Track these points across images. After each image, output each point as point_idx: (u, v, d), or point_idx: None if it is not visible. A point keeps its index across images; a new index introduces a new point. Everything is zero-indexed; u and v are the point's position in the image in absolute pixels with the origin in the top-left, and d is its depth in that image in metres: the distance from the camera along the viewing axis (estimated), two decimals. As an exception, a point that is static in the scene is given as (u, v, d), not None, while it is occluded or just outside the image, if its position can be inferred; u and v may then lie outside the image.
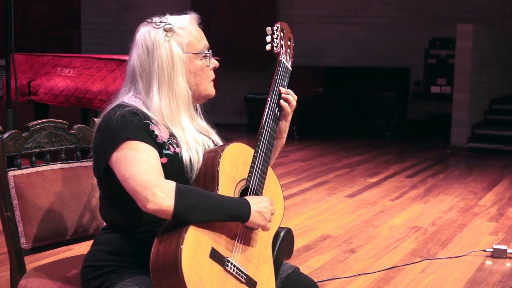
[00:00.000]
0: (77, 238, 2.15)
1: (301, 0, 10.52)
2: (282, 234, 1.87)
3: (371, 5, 10.42)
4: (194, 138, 1.81)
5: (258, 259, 1.76)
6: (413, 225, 4.60)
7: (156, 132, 1.75)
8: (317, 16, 10.50)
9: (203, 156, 1.78)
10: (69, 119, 2.29)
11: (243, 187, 1.79)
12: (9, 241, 1.99)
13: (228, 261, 1.67)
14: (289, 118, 1.97)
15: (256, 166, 1.80)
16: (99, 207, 1.88)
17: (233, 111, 10.51)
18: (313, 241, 4.13)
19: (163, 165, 1.71)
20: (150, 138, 1.72)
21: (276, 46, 1.95)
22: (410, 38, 10.28)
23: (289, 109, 1.94)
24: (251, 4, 10.24)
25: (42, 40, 9.02)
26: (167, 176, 1.67)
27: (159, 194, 1.59)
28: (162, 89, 1.78)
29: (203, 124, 1.92)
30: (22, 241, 2.01)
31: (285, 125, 1.99)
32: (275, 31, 1.95)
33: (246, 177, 1.79)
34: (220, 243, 1.67)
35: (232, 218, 1.67)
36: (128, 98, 1.80)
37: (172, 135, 1.78)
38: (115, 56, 6.06)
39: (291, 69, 1.99)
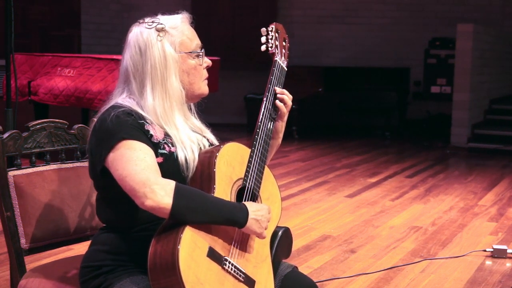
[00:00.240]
0: (77, 238, 2.15)
1: (301, 0, 10.52)
2: (280, 233, 1.88)
3: (371, 5, 10.43)
4: (189, 137, 1.81)
5: (256, 258, 1.77)
6: (413, 225, 4.60)
7: (151, 132, 1.75)
8: (317, 16, 10.50)
9: (199, 156, 1.79)
10: (69, 119, 2.29)
11: (240, 187, 1.79)
12: (9, 241, 1.99)
13: (226, 260, 1.67)
14: (285, 118, 1.98)
15: (253, 166, 1.80)
16: (96, 207, 1.88)
17: (233, 111, 10.51)
18: (313, 241, 4.13)
19: (159, 164, 1.71)
20: (145, 137, 1.73)
21: (271, 47, 1.96)
22: (410, 38, 10.28)
23: (284, 109, 1.95)
24: (251, 4, 10.24)
25: (42, 40, 9.02)
26: (164, 175, 1.67)
27: (159, 191, 1.59)
28: (156, 89, 1.79)
29: (197, 123, 1.93)
30: (22, 241, 2.01)
31: (281, 125, 1.99)
32: (270, 32, 1.97)
33: (242, 176, 1.80)
34: (218, 242, 1.67)
35: (228, 223, 1.67)
36: (122, 99, 1.81)
37: (167, 135, 1.78)
38: (115, 56, 6.06)
39: (286, 69, 2.00)
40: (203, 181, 1.74)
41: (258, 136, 1.85)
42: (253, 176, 1.80)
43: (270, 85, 1.93)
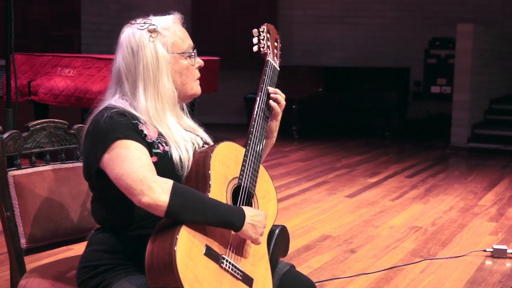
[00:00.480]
0: (77, 238, 2.16)
1: (301, 0, 10.52)
2: (277, 232, 1.89)
3: (371, 5, 10.42)
4: (182, 137, 1.82)
5: (253, 256, 1.77)
6: (413, 225, 4.60)
7: (145, 132, 1.76)
8: (317, 16, 10.50)
9: (194, 156, 1.80)
10: (69, 119, 2.29)
11: (236, 186, 1.80)
12: (9, 241, 1.99)
13: (223, 258, 1.67)
14: (279, 117, 2.00)
15: (248, 165, 1.81)
16: (91, 209, 1.88)
17: (233, 111, 10.51)
18: (313, 241, 4.13)
19: (154, 163, 1.72)
20: (139, 137, 1.74)
21: (263, 47, 1.99)
22: (410, 38, 10.27)
23: (278, 109, 1.97)
24: (251, 4, 10.24)
25: (42, 40, 9.02)
26: (158, 174, 1.68)
27: (156, 189, 1.60)
28: (148, 90, 1.80)
29: (190, 122, 1.94)
30: (22, 241, 2.01)
31: (275, 125, 2.01)
32: (261, 33, 1.99)
33: (238, 175, 1.81)
34: (214, 241, 1.68)
35: (225, 225, 1.68)
36: (114, 100, 1.81)
37: (160, 135, 1.79)
38: (114, 57, 6.05)
39: (279, 69, 2.03)
40: (198, 181, 1.75)
41: (252, 135, 1.86)
42: (248, 174, 1.81)
43: (263, 84, 1.95)
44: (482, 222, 4.74)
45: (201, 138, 1.91)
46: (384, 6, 10.39)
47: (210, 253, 1.64)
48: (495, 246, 3.93)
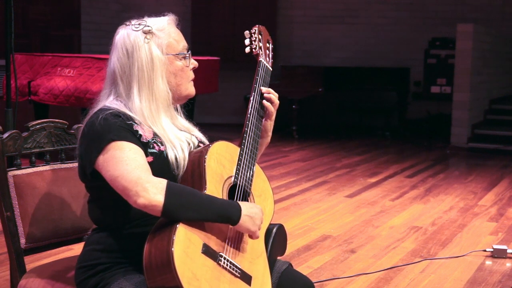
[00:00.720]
0: (77, 238, 2.16)
1: (301, 0, 10.52)
2: (274, 230, 1.89)
3: (371, 5, 10.42)
4: (177, 137, 1.84)
5: (251, 254, 1.77)
6: (413, 225, 4.60)
7: (140, 132, 1.77)
8: (317, 16, 10.50)
9: (190, 156, 1.81)
10: (69, 119, 2.29)
11: (231, 184, 1.81)
12: (9, 241, 1.99)
13: (221, 256, 1.67)
14: (273, 117, 2.01)
15: (243, 163, 1.82)
16: (88, 209, 1.89)
17: (233, 111, 10.51)
18: (313, 241, 4.13)
19: (149, 163, 1.73)
20: (134, 138, 1.74)
21: (255, 48, 2.01)
22: (410, 38, 10.27)
23: (272, 108, 1.98)
24: (251, 4, 10.24)
25: (42, 40, 9.02)
26: (154, 174, 1.69)
27: (151, 189, 1.61)
28: (142, 91, 1.81)
29: (184, 122, 1.95)
30: (22, 241, 2.01)
31: (270, 124, 2.02)
32: (253, 34, 2.02)
33: (233, 174, 1.81)
34: (212, 238, 1.68)
35: (222, 219, 1.68)
36: (109, 102, 1.82)
37: (156, 135, 1.80)
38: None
39: (271, 69, 2.06)
40: (194, 180, 1.76)
41: (246, 134, 1.87)
42: (244, 173, 1.82)
43: (256, 84, 1.97)
44: (482, 222, 4.74)
45: (196, 138, 1.93)
46: (384, 6, 10.40)
47: (207, 251, 1.65)
48: (495, 246, 3.93)
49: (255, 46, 2.01)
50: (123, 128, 1.73)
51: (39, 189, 2.05)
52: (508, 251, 3.90)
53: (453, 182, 6.22)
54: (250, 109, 1.92)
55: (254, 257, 1.78)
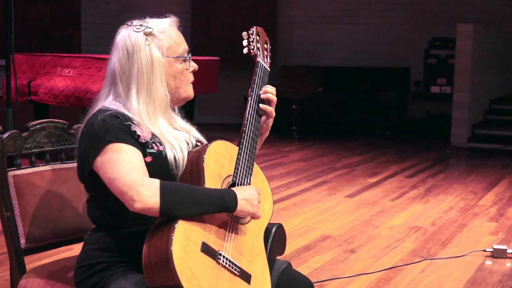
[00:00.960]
0: (77, 238, 2.16)
1: (301, 0, 10.52)
2: (273, 230, 1.90)
3: (371, 5, 10.42)
4: (175, 137, 1.84)
5: (250, 253, 1.78)
6: (413, 225, 4.60)
7: (138, 133, 1.77)
8: (317, 16, 10.50)
9: (188, 155, 1.82)
10: (69, 119, 2.29)
11: (230, 184, 1.81)
12: (9, 241, 1.99)
13: (220, 254, 1.68)
14: (273, 114, 2.01)
15: (242, 163, 1.83)
16: (87, 209, 1.89)
17: (233, 111, 10.51)
18: (313, 241, 4.13)
19: (148, 164, 1.73)
20: (132, 139, 1.75)
21: (253, 49, 2.03)
22: (410, 38, 10.27)
23: (270, 108, 1.98)
24: (251, 4, 10.24)
25: (42, 40, 9.02)
26: (153, 174, 1.69)
27: (144, 192, 1.61)
28: (141, 93, 1.81)
29: (182, 123, 1.95)
30: (22, 241, 2.01)
31: (270, 121, 2.03)
32: (251, 35, 2.04)
33: (232, 173, 1.82)
34: (211, 237, 1.69)
35: (220, 209, 1.69)
36: (108, 102, 1.83)
37: (154, 135, 1.81)
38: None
39: (269, 69, 2.07)
40: (193, 179, 1.76)
41: (245, 134, 1.88)
42: (243, 172, 1.82)
43: (254, 84, 1.98)
44: (482, 222, 4.74)
45: (194, 137, 1.93)
46: (384, 6, 10.39)
47: (206, 249, 1.65)
48: (495, 246, 3.93)
49: (252, 47, 2.02)
50: (121, 129, 1.74)
51: (39, 189, 2.05)
52: (508, 251, 3.90)
53: (453, 182, 6.22)
54: (248, 108, 1.93)
55: (253, 256, 1.78)
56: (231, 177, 1.81)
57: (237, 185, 1.80)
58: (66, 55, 6.52)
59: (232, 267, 1.69)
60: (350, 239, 4.20)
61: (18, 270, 2.00)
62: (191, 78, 1.92)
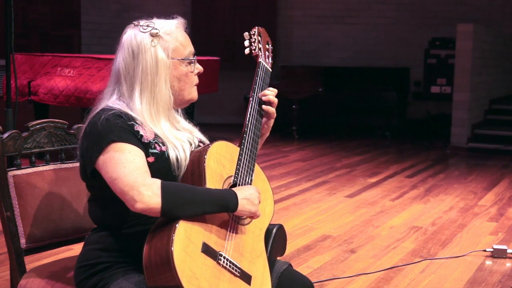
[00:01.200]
0: (77, 238, 2.16)
1: (301, 0, 10.52)
2: (274, 231, 1.90)
3: (371, 5, 10.42)
4: (177, 138, 1.84)
5: (251, 254, 1.78)
6: (413, 225, 4.60)
7: (141, 133, 1.77)
8: (317, 16, 10.50)
9: (190, 156, 1.82)
10: (69, 119, 2.29)
11: (231, 184, 1.81)
12: (9, 241, 1.99)
13: (221, 255, 1.68)
14: (274, 115, 2.01)
15: (243, 163, 1.83)
16: (88, 208, 1.89)
17: (233, 111, 10.51)
18: (313, 241, 4.13)
19: (151, 164, 1.73)
20: (135, 139, 1.74)
21: (255, 49, 2.02)
22: (410, 38, 10.27)
23: (271, 109, 1.98)
24: (251, 4, 10.24)
25: (42, 40, 9.02)
26: (155, 174, 1.69)
27: (146, 192, 1.61)
28: (144, 93, 1.81)
29: (185, 124, 1.95)
30: (22, 241, 2.01)
31: (271, 122, 2.03)
32: (252, 36, 2.03)
33: (233, 174, 1.82)
34: (211, 237, 1.69)
35: (221, 209, 1.69)
36: (112, 102, 1.83)
37: (157, 135, 1.80)
38: (115, 56, 6.05)
39: (270, 70, 2.07)
40: (194, 180, 1.76)
41: (246, 134, 1.88)
42: (244, 173, 1.82)
43: (256, 85, 1.98)
44: (482, 222, 4.74)
45: (197, 138, 1.93)
46: (384, 6, 10.39)
47: (207, 250, 1.65)
48: (495, 246, 3.93)
49: (254, 47, 2.02)
50: (124, 129, 1.74)
51: (39, 189, 2.05)
52: (508, 251, 3.90)
53: (453, 182, 6.22)
54: (249, 109, 1.93)
55: (254, 257, 1.78)
56: (232, 177, 1.81)
57: (238, 185, 1.80)
58: (66, 55, 6.52)
59: (233, 268, 1.69)
60: (350, 239, 4.20)
61: (18, 270, 2.00)
62: (195, 80, 1.91)
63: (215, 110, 10.37)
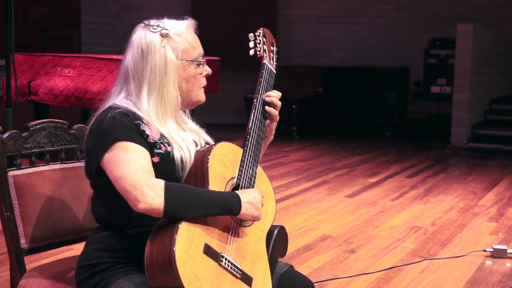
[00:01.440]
0: (77, 238, 2.16)
1: (301, 0, 10.52)
2: (275, 232, 1.90)
3: (371, 5, 10.42)
4: (183, 138, 1.84)
5: (252, 256, 1.78)
6: (413, 225, 4.60)
7: (147, 132, 1.76)
8: (317, 16, 10.50)
9: (194, 157, 1.80)
10: (69, 119, 2.29)
11: (234, 185, 1.81)
12: (9, 241, 1.99)
13: (222, 256, 1.68)
14: (277, 118, 2.00)
15: (246, 165, 1.83)
16: (91, 206, 1.89)
17: (233, 111, 10.51)
18: (313, 241, 4.13)
19: (155, 164, 1.73)
20: (141, 138, 1.74)
21: (259, 51, 2.01)
22: (410, 38, 10.27)
23: (275, 112, 1.97)
24: (251, 4, 10.24)
25: (42, 40, 9.02)
26: (159, 175, 1.69)
27: (149, 193, 1.61)
28: (152, 94, 1.81)
29: (192, 125, 1.95)
30: (22, 241, 2.01)
31: (274, 125, 2.03)
32: (257, 37, 2.03)
33: (236, 175, 1.81)
34: (213, 239, 1.68)
35: (223, 212, 1.69)
36: (119, 100, 1.82)
37: (163, 135, 1.80)
38: (115, 56, 6.06)
39: (275, 71, 2.06)
40: (197, 181, 1.76)
41: (250, 136, 1.88)
42: (246, 174, 1.82)
43: (260, 87, 1.97)
44: (482, 222, 4.74)
45: (204, 140, 1.92)
46: (384, 6, 10.39)
47: (209, 251, 1.65)
48: (495, 246, 3.93)
49: (259, 48, 2.01)
50: (130, 128, 1.73)
51: (39, 189, 2.05)
52: (508, 251, 3.90)
53: (453, 182, 6.22)
54: (253, 110, 1.92)
55: (255, 259, 1.78)
56: (235, 179, 1.81)
57: (241, 187, 1.80)
58: (66, 55, 6.52)
59: (234, 270, 1.69)
60: (350, 239, 4.20)
61: (18, 270, 2.00)
62: (203, 82, 1.92)
63: (215, 110, 10.36)
